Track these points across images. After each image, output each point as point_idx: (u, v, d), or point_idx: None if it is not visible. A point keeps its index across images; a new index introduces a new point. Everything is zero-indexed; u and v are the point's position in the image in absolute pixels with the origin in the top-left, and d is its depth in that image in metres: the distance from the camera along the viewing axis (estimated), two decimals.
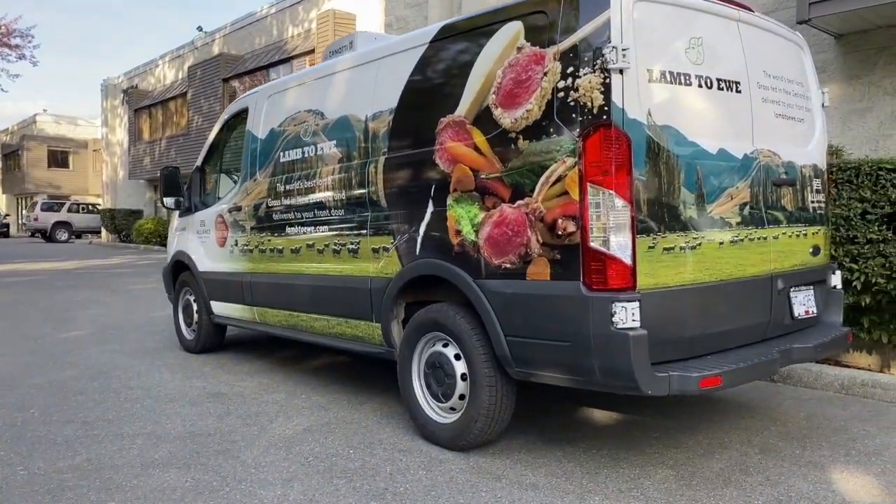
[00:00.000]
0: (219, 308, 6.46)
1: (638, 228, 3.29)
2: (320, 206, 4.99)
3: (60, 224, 35.61)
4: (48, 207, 36.18)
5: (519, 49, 3.65)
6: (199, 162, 6.86)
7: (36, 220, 35.44)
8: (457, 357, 4.01)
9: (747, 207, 3.80)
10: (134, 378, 5.86)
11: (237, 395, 5.28)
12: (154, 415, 4.80)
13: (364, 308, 4.64)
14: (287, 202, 5.34)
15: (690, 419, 4.58)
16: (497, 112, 3.73)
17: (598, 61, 3.27)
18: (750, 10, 4.05)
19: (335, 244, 4.88)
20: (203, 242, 6.60)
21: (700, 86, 3.61)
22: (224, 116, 6.59)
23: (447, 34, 4.14)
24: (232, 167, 6.40)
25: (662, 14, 3.52)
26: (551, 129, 3.45)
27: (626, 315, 3.19)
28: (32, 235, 37.21)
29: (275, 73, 20.17)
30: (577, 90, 3.34)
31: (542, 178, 3.47)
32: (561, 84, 3.41)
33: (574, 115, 3.35)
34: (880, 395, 4.99)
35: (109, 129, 33.30)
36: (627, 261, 3.25)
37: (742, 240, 3.76)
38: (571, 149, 3.35)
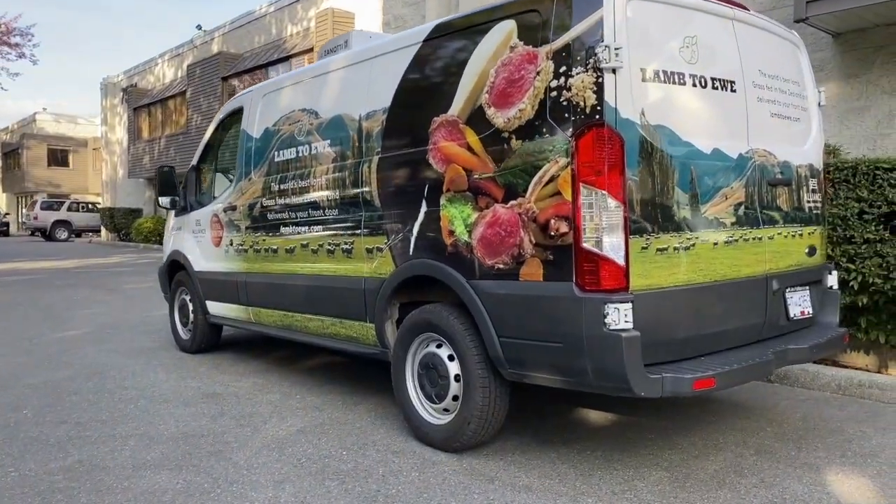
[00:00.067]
0: (214, 308, 6.44)
1: (631, 229, 3.27)
2: (314, 205, 4.97)
3: (60, 223, 35.60)
4: (48, 206, 36.17)
5: (512, 48, 3.63)
6: (194, 161, 6.84)
7: (35, 218, 35.44)
8: (450, 358, 3.99)
9: (742, 207, 3.77)
10: (129, 378, 5.84)
11: (232, 396, 5.26)
12: (148, 415, 4.78)
13: (358, 308, 4.62)
14: (281, 202, 5.32)
15: (686, 420, 4.55)
16: (490, 111, 3.70)
17: (591, 60, 3.25)
18: (745, 8, 4.03)
19: (329, 244, 4.86)
20: (199, 242, 6.58)
21: (694, 85, 3.59)
22: (219, 116, 6.57)
23: (441, 33, 4.12)
24: (227, 166, 6.37)
25: (656, 13, 3.49)
26: (544, 129, 3.43)
27: (619, 316, 3.17)
28: (32, 234, 37.20)
29: (274, 71, 20.16)
30: (569, 89, 3.32)
31: (535, 179, 3.45)
32: (554, 83, 3.39)
33: (567, 115, 3.33)
34: (877, 396, 4.97)
35: (109, 128, 33.28)
36: (620, 262, 3.23)
37: (737, 240, 3.73)
38: (564, 149, 3.33)
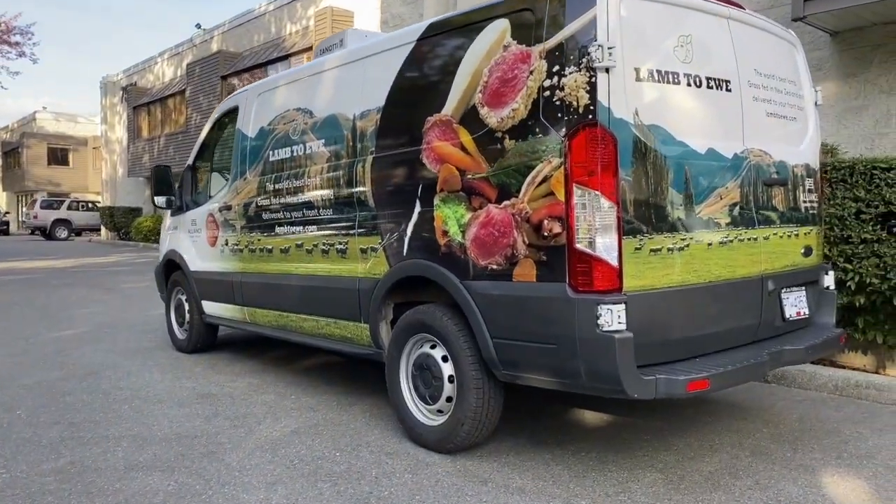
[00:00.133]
0: (210, 308, 6.42)
1: (624, 229, 3.24)
2: (309, 205, 4.95)
3: (60, 222, 35.60)
4: (48, 205, 36.17)
5: (505, 47, 3.61)
6: (190, 160, 6.82)
7: (35, 217, 35.43)
8: (444, 359, 3.97)
9: (737, 208, 3.75)
10: (124, 378, 5.82)
11: (226, 396, 5.24)
12: (141, 416, 4.76)
13: (352, 309, 4.60)
14: (276, 201, 5.30)
15: (682, 420, 4.53)
16: (483, 111, 3.68)
17: (584, 60, 3.22)
18: (741, 7, 4.01)
19: (324, 244, 4.84)
20: (194, 242, 6.56)
21: (689, 84, 3.56)
22: (215, 115, 6.55)
23: (434, 32, 4.09)
24: (223, 166, 6.35)
25: (650, 12, 3.47)
26: (537, 129, 3.40)
27: (612, 317, 3.15)
28: (32, 233, 37.20)
29: (273, 70, 20.13)
30: (562, 89, 3.30)
31: (528, 179, 3.43)
32: (547, 83, 3.36)
33: (560, 115, 3.30)
34: (874, 397, 4.95)
35: (109, 127, 33.27)
36: (613, 262, 3.21)
37: (731, 241, 3.71)
38: (557, 149, 3.31)
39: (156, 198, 6.93)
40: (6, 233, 43.88)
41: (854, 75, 7.65)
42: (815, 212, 4.35)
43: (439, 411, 4.03)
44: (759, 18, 4.17)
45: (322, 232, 4.85)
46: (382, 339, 4.44)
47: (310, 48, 18.41)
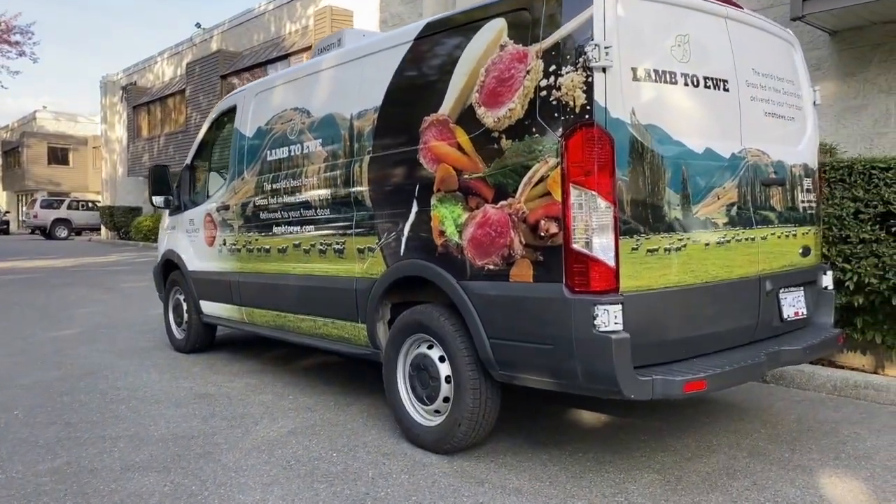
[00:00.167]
0: (208, 308, 6.41)
1: (621, 230, 3.23)
2: (306, 205, 4.94)
3: (60, 221, 35.59)
4: (48, 204, 36.18)
5: (502, 47, 3.60)
6: (188, 160, 6.81)
7: (35, 217, 35.43)
8: (441, 359, 3.96)
9: (735, 208, 3.74)
10: (121, 378, 5.81)
11: (224, 397, 5.23)
12: (139, 416, 4.75)
13: (350, 309, 4.59)
14: (274, 201, 5.29)
15: (680, 421, 4.52)
16: (480, 111, 3.67)
17: (581, 59, 3.21)
18: (739, 6, 3.99)
19: (321, 244, 4.83)
20: (192, 241, 6.55)
21: (686, 84, 3.55)
22: (213, 115, 6.54)
23: (431, 31, 4.08)
24: (221, 165, 6.34)
25: (647, 11, 3.46)
26: (534, 129, 3.39)
27: (609, 318, 3.14)
28: (32, 232, 37.20)
29: (272, 69, 20.10)
30: (559, 89, 3.29)
31: (525, 179, 3.42)
32: (543, 83, 3.35)
33: (556, 115, 3.29)
34: (873, 397, 4.94)
35: (109, 126, 33.27)
36: (610, 263, 3.20)
37: (729, 241, 3.70)
38: (554, 149, 3.30)
39: (153, 197, 6.92)
40: (6, 232, 43.89)
41: (853, 74, 7.64)
42: (813, 212, 4.34)
43: (436, 412, 4.02)
44: (757, 18, 4.15)
45: (319, 232, 4.84)
46: (380, 339, 4.43)
47: (309, 47, 18.40)
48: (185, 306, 6.76)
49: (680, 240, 3.46)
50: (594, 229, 3.18)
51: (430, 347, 4.05)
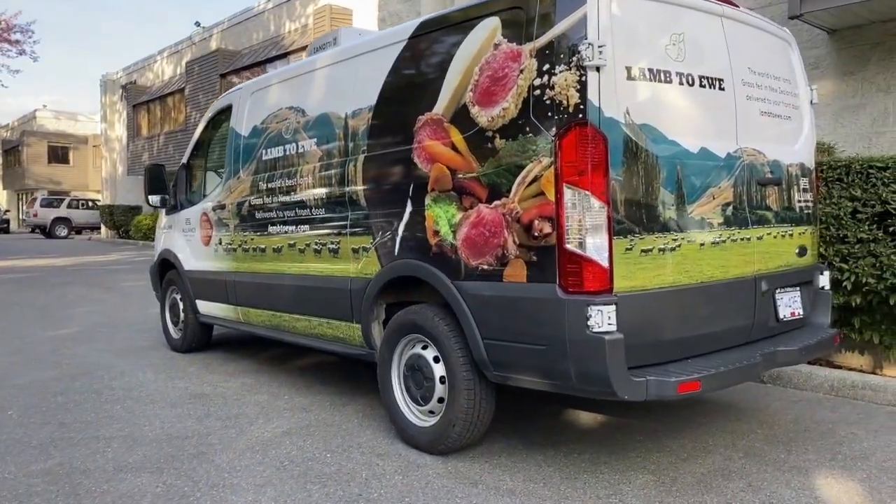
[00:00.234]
0: (204, 307, 6.40)
1: (615, 230, 3.21)
2: (301, 204, 4.92)
3: (60, 220, 35.60)
4: (48, 203, 36.19)
5: (496, 46, 3.58)
6: (184, 159, 6.80)
7: (35, 215, 35.44)
8: (436, 359, 3.94)
9: (730, 208, 3.72)
10: (117, 378, 5.80)
11: (219, 396, 5.21)
12: (133, 416, 4.73)
13: (344, 309, 4.57)
14: (269, 201, 5.27)
15: (676, 421, 4.51)
16: (474, 110, 3.65)
17: (574, 58, 3.19)
18: (735, 5, 3.97)
19: (316, 244, 4.81)
20: (188, 241, 6.53)
21: (681, 83, 3.53)
22: (209, 113, 6.52)
23: (426, 30, 4.06)
24: (217, 165, 6.33)
25: (642, 10, 3.44)
26: (527, 128, 3.37)
27: (602, 318, 3.12)
28: (32, 231, 37.21)
29: (272, 68, 20.07)
30: (553, 88, 3.26)
31: (519, 178, 3.40)
32: (537, 82, 3.33)
33: (550, 114, 3.27)
34: (870, 397, 4.92)
35: (108, 125, 33.27)
36: (604, 263, 3.18)
37: (724, 241, 3.68)
38: (547, 148, 3.28)
39: (150, 197, 6.90)
40: (6, 231, 43.90)
41: (852, 73, 7.61)
42: (809, 211, 4.32)
43: (431, 412, 4.00)
44: (754, 16, 4.13)
45: (314, 231, 4.83)
46: (375, 339, 4.41)
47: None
48: (181, 306, 6.75)
49: (675, 240, 3.44)
50: (588, 229, 3.16)
51: (424, 348, 4.03)
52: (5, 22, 28.36)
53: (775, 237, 4.00)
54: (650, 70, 3.40)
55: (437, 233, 3.85)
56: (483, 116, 3.59)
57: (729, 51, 3.80)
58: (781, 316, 4.02)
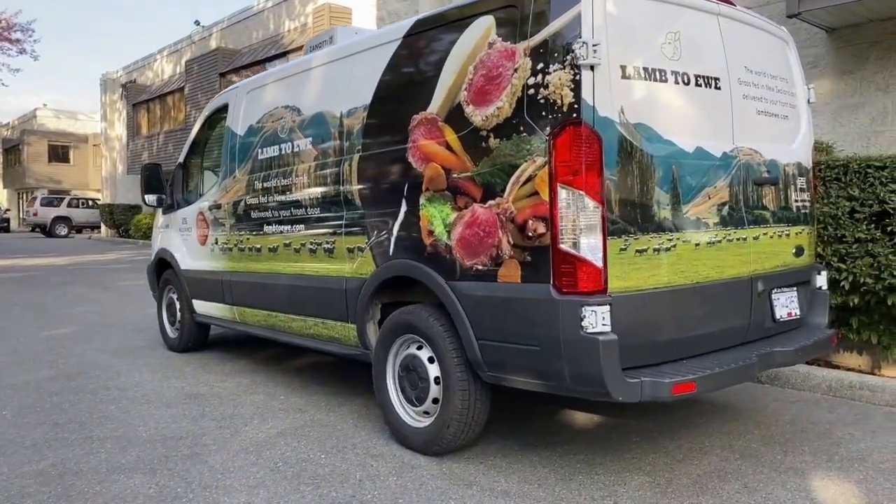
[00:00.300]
0: (201, 307, 6.38)
1: (609, 230, 3.19)
2: (297, 204, 4.90)
3: (60, 219, 35.59)
4: (48, 202, 36.18)
5: (490, 44, 3.55)
6: (181, 158, 6.78)
7: (35, 215, 35.44)
8: (430, 360, 3.93)
9: (726, 207, 3.69)
10: (113, 378, 5.78)
11: (215, 397, 5.20)
12: (128, 417, 4.72)
13: (340, 309, 4.55)
14: (265, 200, 5.25)
15: (673, 422, 4.49)
16: (469, 109, 3.63)
17: (569, 57, 3.17)
18: (731, 3, 3.95)
19: (311, 243, 4.79)
20: (185, 240, 6.52)
21: (677, 82, 3.51)
22: (205, 113, 6.50)
23: (420, 28, 4.04)
24: (213, 164, 6.31)
25: (637, 8, 3.41)
26: (521, 128, 3.35)
27: (596, 319, 3.10)
28: (33, 230, 37.22)
29: (271, 67, 20.04)
30: (547, 87, 3.24)
31: (513, 178, 3.38)
32: (531, 81, 3.31)
33: (544, 113, 3.25)
34: (868, 398, 4.90)
35: (108, 124, 33.24)
36: (598, 263, 3.15)
37: (720, 241, 3.65)
38: (542, 148, 3.25)
39: (146, 196, 6.89)
40: (7, 230, 43.90)
41: (850, 72, 7.58)
42: (807, 211, 4.30)
43: (425, 413, 3.99)
44: (751, 15, 4.11)
45: (310, 231, 4.81)
46: (370, 339, 4.39)
47: None
48: (178, 305, 6.73)
49: (669, 240, 3.42)
50: (582, 229, 3.14)
51: (419, 348, 4.01)
52: (6, 21, 28.38)
53: (772, 237, 3.98)
54: (645, 69, 3.38)
55: (431, 232, 3.83)
56: (477, 115, 3.57)
57: (725, 49, 3.78)
58: (778, 316, 4.00)
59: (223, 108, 6.06)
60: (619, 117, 3.23)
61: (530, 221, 3.30)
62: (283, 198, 5.04)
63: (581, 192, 3.14)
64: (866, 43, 7.44)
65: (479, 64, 3.60)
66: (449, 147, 3.73)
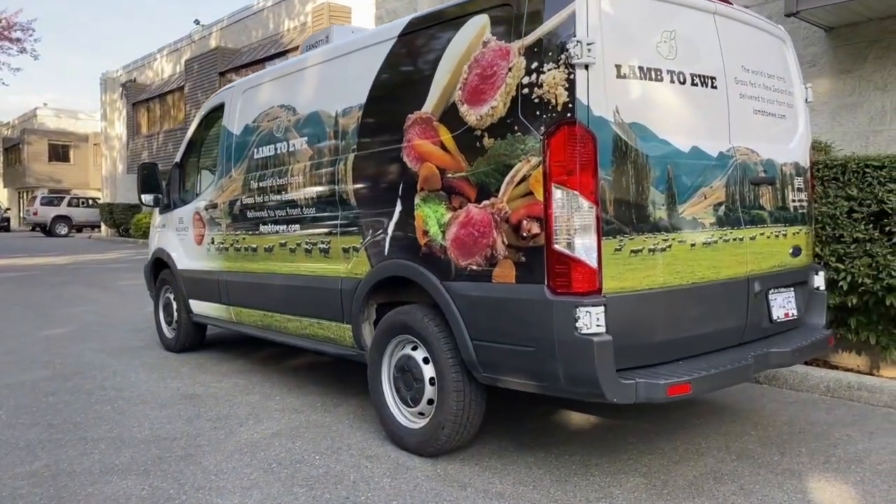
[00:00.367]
0: (197, 307, 6.36)
1: (604, 230, 3.17)
2: (292, 204, 4.88)
3: (60, 218, 35.58)
4: (48, 201, 36.18)
5: (485, 43, 3.53)
6: (177, 158, 6.76)
7: (35, 214, 35.43)
8: (425, 361, 3.90)
9: (722, 207, 3.67)
10: (109, 378, 5.77)
11: (210, 397, 5.18)
12: (123, 417, 4.70)
13: (335, 309, 4.53)
14: (260, 200, 5.24)
15: (670, 423, 4.46)
16: (463, 109, 3.61)
17: (563, 56, 3.15)
18: (728, 2, 3.92)
19: (307, 243, 4.77)
20: (182, 240, 6.50)
21: (672, 81, 3.48)
22: (201, 112, 6.49)
23: (415, 28, 4.02)
24: (210, 163, 6.30)
25: (633, 7, 3.39)
26: (516, 127, 3.33)
27: (591, 320, 3.08)
28: (33, 230, 37.21)
29: (270, 66, 20.03)
30: (541, 86, 3.22)
31: (507, 178, 3.36)
32: (525, 80, 3.29)
33: (538, 113, 3.23)
34: (866, 398, 4.87)
35: (108, 123, 33.24)
36: (592, 264, 3.13)
37: (716, 241, 3.63)
38: (536, 147, 3.23)
39: (142, 196, 6.88)
40: (7, 229, 43.90)
41: (849, 71, 7.56)
42: (804, 211, 4.27)
43: (420, 414, 3.97)
44: (748, 14, 4.08)
45: (305, 231, 4.79)
46: (365, 339, 4.37)
47: None
48: (174, 305, 6.72)
49: (665, 240, 3.39)
50: (576, 230, 3.12)
51: (414, 349, 3.99)
52: (6, 20, 28.34)
53: (769, 237, 3.95)
54: (640, 68, 3.36)
55: (426, 233, 3.81)
56: (472, 115, 3.55)
57: (722, 49, 3.76)
58: (775, 317, 3.98)
59: (219, 108, 6.04)
60: (613, 117, 3.21)
61: (525, 221, 3.28)
62: (278, 197, 5.02)
63: (576, 193, 3.12)
64: (865, 42, 7.42)
65: (473, 63, 3.58)
66: (444, 147, 3.71)
